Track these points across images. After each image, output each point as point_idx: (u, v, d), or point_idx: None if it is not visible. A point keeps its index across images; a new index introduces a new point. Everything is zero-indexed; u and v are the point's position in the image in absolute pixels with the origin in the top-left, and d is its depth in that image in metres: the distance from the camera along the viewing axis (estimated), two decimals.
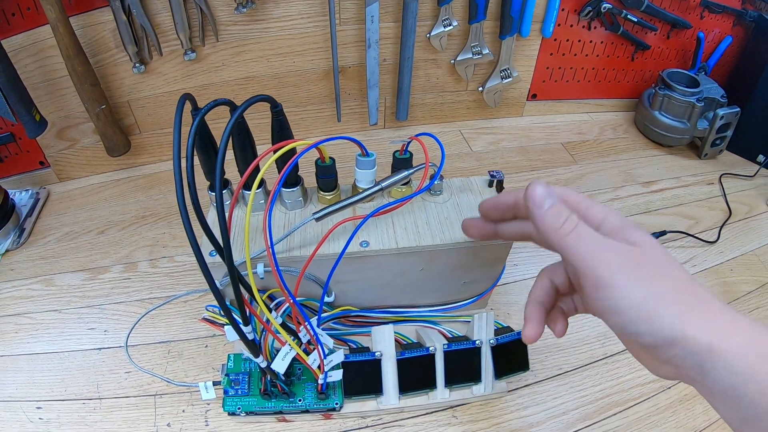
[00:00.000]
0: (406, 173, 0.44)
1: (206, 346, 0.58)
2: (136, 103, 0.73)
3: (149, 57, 0.68)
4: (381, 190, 0.43)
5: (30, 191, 0.79)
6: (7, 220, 0.72)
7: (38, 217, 0.76)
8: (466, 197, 0.50)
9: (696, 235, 0.71)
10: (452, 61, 0.79)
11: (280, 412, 0.48)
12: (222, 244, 0.37)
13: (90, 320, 0.61)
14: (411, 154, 0.47)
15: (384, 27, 0.72)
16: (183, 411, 0.53)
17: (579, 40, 0.84)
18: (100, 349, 0.59)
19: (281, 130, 0.43)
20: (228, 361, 0.51)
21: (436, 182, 0.49)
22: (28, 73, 0.68)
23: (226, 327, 0.41)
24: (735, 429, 0.26)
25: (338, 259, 0.40)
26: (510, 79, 0.82)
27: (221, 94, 0.75)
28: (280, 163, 0.44)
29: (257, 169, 0.40)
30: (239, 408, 0.48)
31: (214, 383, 0.49)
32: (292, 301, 0.38)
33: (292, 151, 0.43)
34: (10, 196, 0.75)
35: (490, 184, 0.51)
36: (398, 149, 0.46)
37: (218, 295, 0.37)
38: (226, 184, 0.48)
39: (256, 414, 0.48)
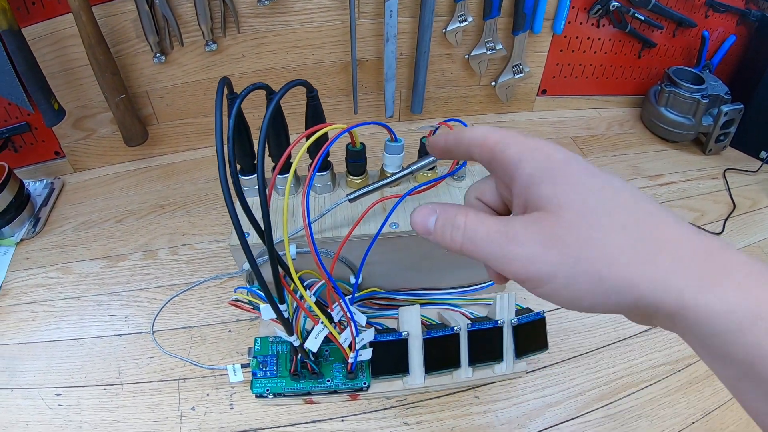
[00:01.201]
0: (433, 158, 0.47)
1: (229, 331, 0.59)
2: (154, 94, 0.75)
3: (170, 47, 0.70)
4: (412, 172, 0.45)
5: (44, 181, 0.81)
6: (22, 210, 0.73)
7: (53, 207, 0.77)
8: None
9: (702, 227, 0.74)
10: (466, 56, 0.81)
11: (309, 393, 0.50)
12: (262, 224, 0.39)
13: (109, 307, 0.63)
14: None
15: (401, 22, 0.74)
16: (207, 395, 0.54)
17: (588, 38, 0.87)
18: (120, 335, 0.60)
19: (316, 115, 0.45)
20: (255, 345, 0.53)
21: (456, 172, 0.51)
22: (46, 62, 0.69)
23: (262, 306, 0.43)
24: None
25: (377, 234, 0.42)
26: (522, 75, 0.85)
27: (241, 85, 0.73)
28: (313, 147, 0.46)
29: (292, 154, 0.43)
30: (267, 390, 0.49)
31: (243, 366, 0.51)
32: (327, 277, 0.40)
33: (324, 136, 0.46)
34: (25, 186, 0.76)
35: None
36: (426, 135, 0.49)
37: (259, 273, 0.39)
38: (254, 170, 0.50)
39: (284, 396, 0.50)
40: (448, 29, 0.77)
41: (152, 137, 0.79)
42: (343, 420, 0.51)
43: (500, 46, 0.80)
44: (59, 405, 0.53)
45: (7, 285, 0.66)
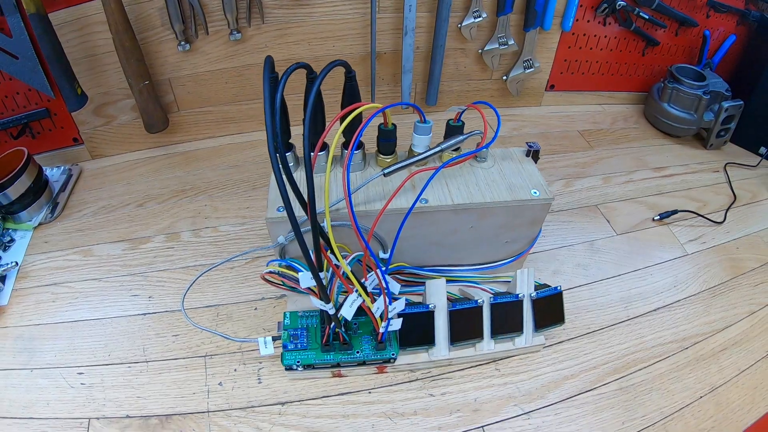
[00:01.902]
0: (462, 138, 0.50)
1: (255, 309, 0.62)
2: (176, 81, 0.78)
3: (195, 36, 0.73)
4: (442, 150, 0.49)
5: (62, 168, 0.82)
6: (40, 195, 0.75)
7: (72, 192, 0.79)
8: (508, 164, 0.56)
9: (704, 215, 0.79)
10: (480, 51, 0.86)
11: (338, 365, 0.53)
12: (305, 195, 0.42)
13: (133, 287, 0.65)
14: (463, 123, 0.53)
15: (419, 16, 0.78)
16: (235, 370, 0.56)
17: (595, 35, 0.91)
18: (144, 314, 0.62)
19: (352, 95, 0.48)
20: (284, 319, 0.55)
21: (482, 150, 0.55)
22: (70, 48, 0.71)
23: (300, 274, 0.46)
24: None
25: (412, 206, 0.45)
26: (532, 69, 0.89)
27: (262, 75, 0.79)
28: (349, 125, 0.49)
29: (336, 128, 0.46)
30: (298, 362, 0.52)
31: (273, 338, 0.53)
32: (365, 245, 0.43)
33: (358, 116, 0.49)
34: (44, 172, 0.78)
35: (528, 154, 0.58)
36: (453, 118, 0.52)
37: (302, 240, 0.42)
38: (290, 147, 0.53)
39: (314, 368, 0.53)
40: (463, 24, 0.81)
41: (172, 125, 0.81)
42: (370, 392, 0.54)
43: (512, 42, 0.85)
44: (81, 383, 0.55)
45: (25, 268, 0.67)
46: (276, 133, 0.42)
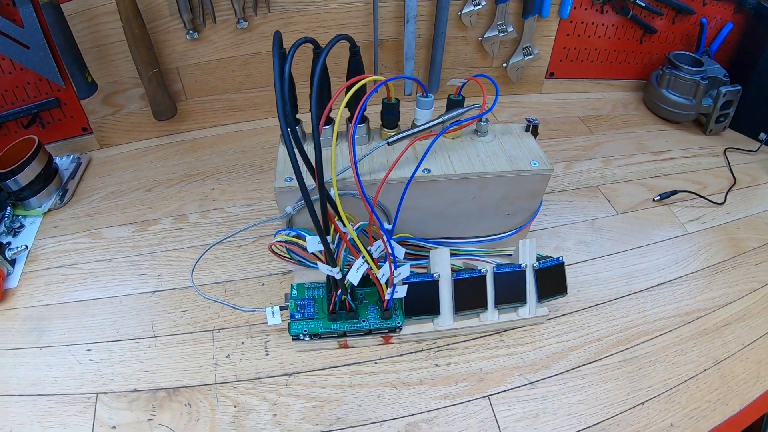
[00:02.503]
0: (462, 110, 0.52)
1: (263, 284, 0.63)
2: (184, 70, 0.80)
3: (203, 24, 0.75)
4: (443, 122, 0.50)
5: (71, 157, 0.84)
6: (50, 182, 0.77)
7: (81, 179, 0.81)
8: (508, 139, 0.57)
9: (705, 197, 0.80)
10: (480, 38, 0.88)
11: (344, 334, 0.54)
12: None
13: (142, 267, 0.66)
14: (464, 97, 0.54)
15: (420, 4, 0.80)
16: (242, 343, 0.57)
17: (593, 23, 0.93)
18: (153, 292, 0.63)
19: (357, 69, 0.50)
20: (291, 290, 0.57)
21: (482, 124, 0.57)
22: (80, 38, 0.73)
23: (308, 238, 0.47)
24: None
25: (413, 173, 0.46)
26: (531, 56, 0.91)
27: (269, 63, 0.80)
28: (353, 98, 0.51)
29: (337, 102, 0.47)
30: (305, 331, 0.53)
31: (281, 308, 0.54)
32: (371, 210, 0.45)
33: (363, 88, 0.51)
34: (54, 160, 0.80)
35: (527, 129, 0.59)
36: (453, 92, 0.54)
37: (311, 203, 0.43)
38: (297, 122, 0.54)
39: (321, 338, 0.54)
40: (463, 12, 0.83)
41: (180, 113, 0.83)
42: (376, 363, 0.55)
43: (511, 29, 0.87)
44: (90, 360, 0.56)
45: (35, 252, 0.69)
46: (285, 100, 0.44)
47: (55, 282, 0.65)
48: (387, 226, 0.55)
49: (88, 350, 0.57)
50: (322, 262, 0.48)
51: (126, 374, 0.55)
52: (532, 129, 0.59)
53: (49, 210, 0.76)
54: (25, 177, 0.73)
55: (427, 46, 0.86)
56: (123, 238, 0.70)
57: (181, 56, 0.78)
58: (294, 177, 0.51)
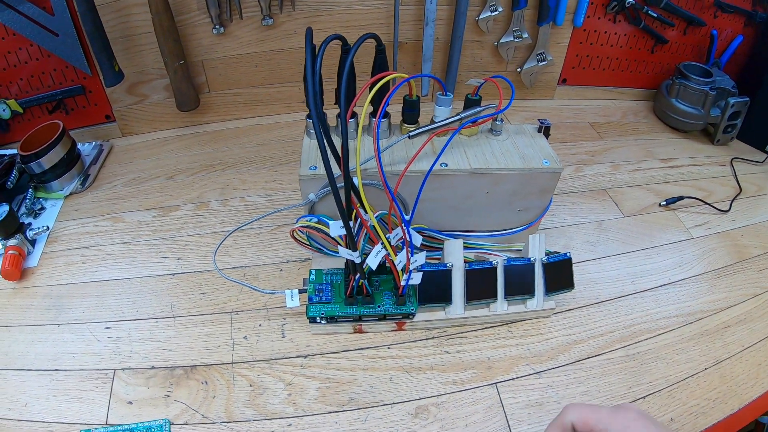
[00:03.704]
0: (479, 108, 0.55)
1: (281, 270, 0.66)
2: (209, 63, 0.84)
3: (230, 20, 0.79)
4: (462, 119, 0.54)
5: (93, 143, 0.88)
6: (72, 166, 0.80)
7: (102, 165, 0.84)
8: (521, 138, 0.61)
9: (710, 203, 0.83)
10: (496, 43, 0.91)
11: (360, 319, 0.57)
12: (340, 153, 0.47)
13: (162, 250, 0.69)
14: (481, 97, 0.58)
15: (439, 9, 0.84)
16: (259, 325, 0.60)
17: (605, 32, 0.97)
18: (173, 274, 0.65)
19: (382, 66, 0.53)
20: (310, 276, 0.60)
21: (497, 123, 0.60)
22: (109, 28, 0.77)
23: (331, 223, 0.51)
24: None
25: (432, 165, 0.50)
26: (545, 62, 0.95)
27: (291, 60, 0.86)
28: (377, 96, 0.55)
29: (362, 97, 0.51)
30: (322, 314, 0.56)
31: (300, 291, 0.58)
32: (391, 197, 0.48)
33: (386, 85, 0.54)
34: (77, 145, 0.84)
35: (539, 130, 0.62)
36: (471, 92, 0.57)
37: (336, 190, 0.46)
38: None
39: (337, 321, 0.57)
40: (480, 17, 0.87)
41: (202, 105, 0.87)
42: (389, 348, 0.58)
43: (526, 35, 0.91)
44: (108, 337, 0.58)
45: (56, 233, 0.71)
46: (316, 91, 0.48)
47: (75, 262, 0.67)
48: (405, 217, 0.59)
49: (107, 328, 0.59)
50: (342, 246, 0.51)
51: (144, 352, 0.56)
52: (545, 130, 0.62)
53: (71, 194, 0.78)
54: (49, 160, 0.76)
55: (445, 49, 0.90)
56: (144, 223, 0.73)
57: (206, 50, 0.82)
58: (318, 165, 0.56)
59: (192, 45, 0.81)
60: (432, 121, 0.58)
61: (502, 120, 0.60)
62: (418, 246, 0.52)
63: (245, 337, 0.59)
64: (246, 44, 0.83)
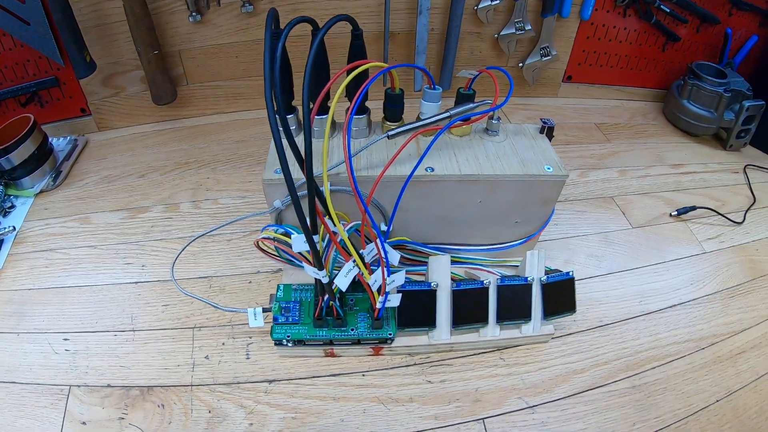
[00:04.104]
0: (472, 105, 0.45)
1: (250, 282, 0.57)
2: (186, 54, 0.74)
3: (206, 6, 0.69)
4: (450, 117, 0.44)
5: (68, 138, 0.79)
6: (43, 162, 0.72)
7: (75, 162, 0.76)
8: (521, 140, 0.51)
9: (724, 214, 0.72)
10: (496, 36, 0.81)
11: (331, 343, 0.48)
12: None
13: (127, 255, 0.61)
14: (474, 92, 0.48)
15: None
16: (223, 344, 0.52)
17: (614, 27, 0.86)
18: (137, 282, 0.58)
19: (359, 54, 0.44)
20: (277, 291, 0.51)
21: (493, 122, 0.50)
22: (82, 16, 0.69)
23: (294, 236, 0.41)
24: None
25: (413, 170, 0.40)
26: (549, 57, 0.85)
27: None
28: (352, 88, 0.45)
29: (334, 88, 0.41)
30: (288, 336, 0.47)
31: (264, 310, 0.49)
32: (364, 208, 0.39)
33: (365, 75, 0.44)
34: (49, 140, 0.75)
35: (542, 131, 0.52)
36: (463, 86, 0.47)
37: (296, 196, 0.37)
38: (292, 110, 0.48)
39: (305, 344, 0.48)
40: (479, 7, 0.77)
41: (180, 98, 0.78)
42: (363, 375, 0.49)
43: (529, 27, 0.80)
44: (66, 350, 0.52)
45: (23, 234, 0.65)
46: (275, 83, 0.38)
47: (39, 266, 0.60)
48: (383, 228, 0.49)
49: (66, 339, 0.53)
50: (308, 263, 0.42)
51: (101, 368, 0.50)
52: (547, 131, 0.52)
53: (41, 191, 0.71)
54: (19, 156, 0.68)
55: (440, 41, 0.80)
56: (112, 225, 0.65)
57: (183, 39, 0.72)
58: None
59: (168, 34, 0.72)
60: (418, 119, 0.48)
61: (499, 119, 0.50)
62: (396, 264, 0.43)
63: (207, 357, 0.51)
64: (225, 33, 0.73)
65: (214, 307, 0.51)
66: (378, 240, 0.40)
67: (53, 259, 0.61)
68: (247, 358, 0.51)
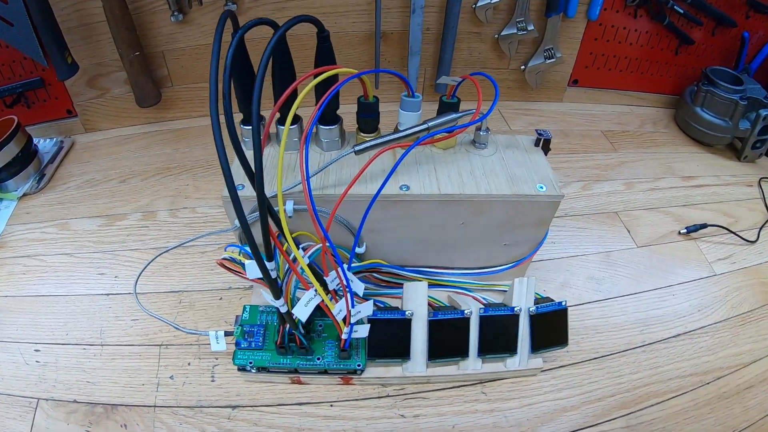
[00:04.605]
0: (454, 116, 0.39)
1: (221, 299, 0.53)
2: (170, 54, 0.69)
3: (188, 6, 0.64)
4: (428, 129, 0.38)
5: (54, 139, 0.76)
6: (27, 164, 0.69)
7: (60, 164, 0.72)
8: (512, 153, 0.45)
9: (736, 233, 0.65)
10: (496, 36, 0.74)
11: (296, 371, 0.43)
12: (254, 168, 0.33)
13: (101, 265, 0.58)
14: (459, 100, 0.42)
15: None
16: (189, 364, 0.48)
17: (624, 28, 0.78)
18: (108, 294, 0.55)
19: (326, 59, 0.38)
20: (243, 312, 0.46)
21: (481, 134, 0.44)
22: (64, 16, 0.65)
23: (247, 263, 0.36)
24: None
25: (381, 187, 0.34)
26: (553, 60, 0.78)
27: (259, 50, 0.69)
28: (319, 92, 0.40)
29: (295, 95, 0.36)
30: (251, 363, 0.43)
31: (226, 333, 0.44)
32: (323, 235, 0.33)
33: (334, 81, 0.39)
34: (34, 143, 0.72)
35: (537, 143, 0.46)
36: (446, 94, 0.41)
37: (243, 218, 0.32)
38: (261, 119, 0.43)
39: (269, 371, 0.43)
40: (478, 5, 0.70)
41: (166, 100, 0.73)
42: (332, 405, 0.44)
43: (532, 27, 0.73)
44: (36, 361, 0.49)
45: (4, 238, 0.61)
46: (225, 93, 0.33)
47: (17, 272, 0.57)
48: (360, 251, 0.44)
49: (37, 351, 0.50)
50: (267, 292, 0.37)
51: (68, 382, 0.47)
52: (543, 143, 0.46)
53: (25, 194, 0.67)
54: (2, 158, 0.65)
55: (437, 41, 0.73)
56: (89, 232, 0.61)
57: (166, 39, 0.67)
58: (245, 185, 0.41)
59: (151, 34, 0.67)
60: (396, 130, 0.43)
61: (487, 130, 0.44)
62: (361, 294, 0.37)
63: (171, 377, 0.47)
64: (209, 33, 0.68)
65: (175, 328, 0.47)
66: (339, 269, 0.34)
67: (30, 266, 0.58)
68: (212, 381, 0.46)
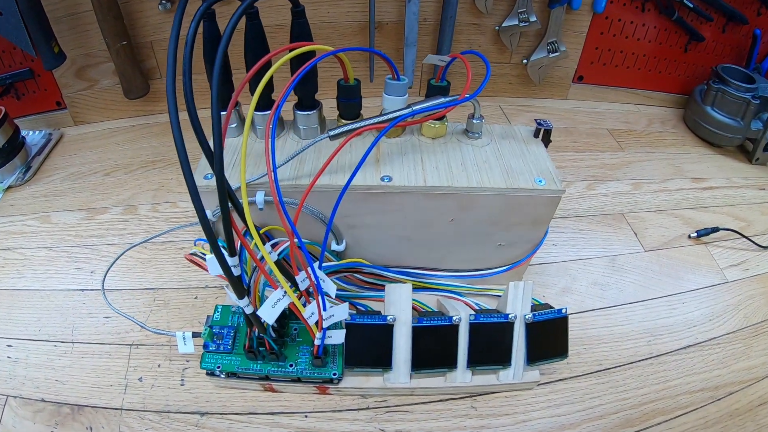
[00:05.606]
0: (442, 99, 0.34)
1: (196, 298, 0.48)
2: (159, 45, 0.65)
3: None
4: (413, 114, 0.33)
5: (43, 132, 0.72)
6: (13, 156, 0.65)
7: (47, 157, 0.69)
8: (509, 144, 0.40)
9: (750, 238, 0.59)
10: (497, 28, 0.69)
11: (267, 378, 0.38)
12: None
13: (79, 260, 0.54)
14: (449, 83, 0.37)
15: None
16: (158, 366, 0.44)
17: (631, 22, 0.73)
18: (83, 290, 0.51)
19: (301, 35, 0.33)
20: (215, 312, 0.41)
21: (474, 122, 0.39)
22: (52, 5, 0.61)
23: (208, 257, 0.31)
24: None
25: (353, 174, 0.30)
26: (557, 54, 0.72)
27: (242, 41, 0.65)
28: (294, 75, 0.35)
29: (267, 68, 0.31)
30: (219, 367, 0.38)
31: (194, 334, 0.39)
32: (291, 228, 0.29)
33: (309, 59, 0.34)
34: (22, 134, 0.68)
35: (536, 134, 0.41)
36: (434, 78, 0.36)
37: (202, 210, 0.28)
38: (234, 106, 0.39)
39: (239, 377, 0.39)
40: None
41: (154, 92, 0.69)
42: (306, 416, 0.39)
43: (534, 19, 0.68)
44: (8, 357, 0.45)
45: None
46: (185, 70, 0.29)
47: None
48: (338, 248, 0.39)
49: (9, 346, 0.46)
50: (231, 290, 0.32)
51: (37, 380, 0.43)
52: (543, 134, 0.41)
53: (10, 186, 0.64)
54: None
55: (434, 32, 0.68)
56: (69, 225, 0.57)
57: (155, 29, 0.63)
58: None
59: (139, 24, 0.63)
60: (381, 115, 0.38)
61: (481, 117, 0.39)
62: (333, 296, 0.32)
63: (140, 379, 0.43)
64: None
65: (142, 327, 0.42)
66: (309, 268, 0.30)
67: (9, 259, 0.54)
68: (182, 385, 0.42)
